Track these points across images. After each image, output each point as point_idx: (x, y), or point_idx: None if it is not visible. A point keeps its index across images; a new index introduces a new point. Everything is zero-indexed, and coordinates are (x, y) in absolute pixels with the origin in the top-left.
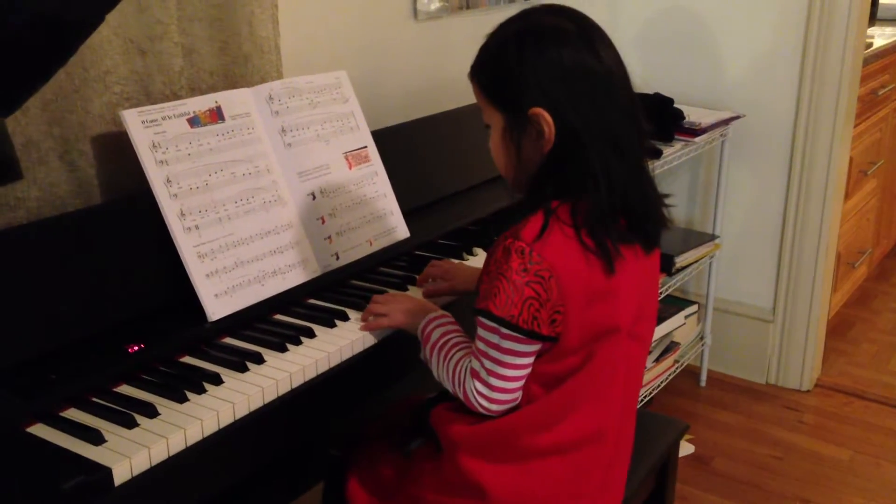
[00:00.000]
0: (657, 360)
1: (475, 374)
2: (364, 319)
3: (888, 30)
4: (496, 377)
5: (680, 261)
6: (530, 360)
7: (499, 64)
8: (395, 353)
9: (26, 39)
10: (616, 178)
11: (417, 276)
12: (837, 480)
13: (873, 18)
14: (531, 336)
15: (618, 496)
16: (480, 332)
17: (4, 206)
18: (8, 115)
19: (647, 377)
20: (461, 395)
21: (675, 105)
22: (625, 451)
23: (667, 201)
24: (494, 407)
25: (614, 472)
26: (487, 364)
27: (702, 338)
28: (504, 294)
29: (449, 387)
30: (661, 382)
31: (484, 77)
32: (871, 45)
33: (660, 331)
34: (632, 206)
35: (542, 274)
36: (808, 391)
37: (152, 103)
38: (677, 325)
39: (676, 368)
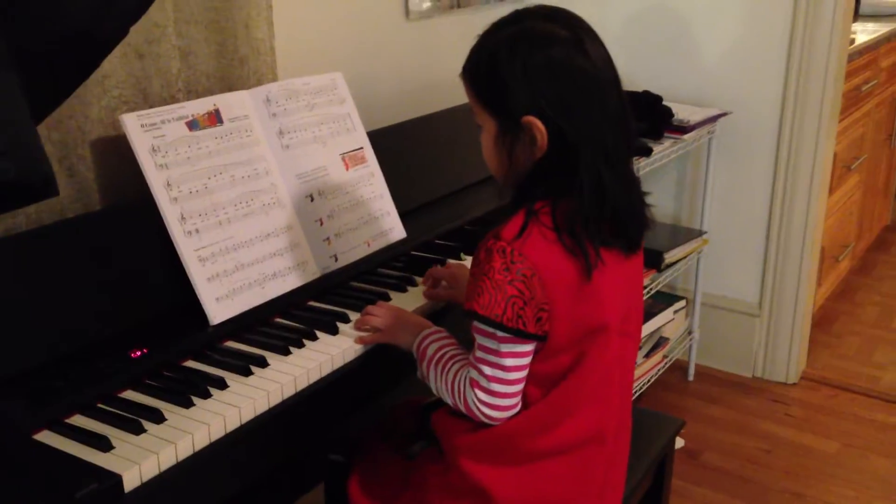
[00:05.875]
0: (647, 356)
1: (475, 384)
2: (358, 328)
3: (870, 25)
4: (498, 382)
5: (668, 257)
6: (528, 360)
7: (491, 71)
8: (398, 355)
9: (57, 56)
10: (604, 184)
11: (419, 278)
12: (826, 472)
13: (855, 14)
14: (517, 335)
15: (618, 494)
16: (478, 339)
17: (4, 213)
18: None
19: (637, 372)
20: (462, 407)
21: (664, 103)
22: (623, 450)
23: (654, 199)
24: (496, 414)
25: (614, 471)
26: (488, 371)
27: (690, 333)
28: (487, 294)
29: (449, 400)
30: (651, 377)
31: (476, 82)
32: (853, 41)
33: (649, 326)
34: (618, 212)
35: (524, 273)
36: (794, 384)
37: (150, 107)
38: (666, 321)
39: (665, 363)
